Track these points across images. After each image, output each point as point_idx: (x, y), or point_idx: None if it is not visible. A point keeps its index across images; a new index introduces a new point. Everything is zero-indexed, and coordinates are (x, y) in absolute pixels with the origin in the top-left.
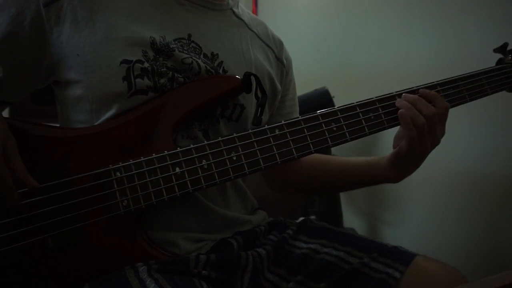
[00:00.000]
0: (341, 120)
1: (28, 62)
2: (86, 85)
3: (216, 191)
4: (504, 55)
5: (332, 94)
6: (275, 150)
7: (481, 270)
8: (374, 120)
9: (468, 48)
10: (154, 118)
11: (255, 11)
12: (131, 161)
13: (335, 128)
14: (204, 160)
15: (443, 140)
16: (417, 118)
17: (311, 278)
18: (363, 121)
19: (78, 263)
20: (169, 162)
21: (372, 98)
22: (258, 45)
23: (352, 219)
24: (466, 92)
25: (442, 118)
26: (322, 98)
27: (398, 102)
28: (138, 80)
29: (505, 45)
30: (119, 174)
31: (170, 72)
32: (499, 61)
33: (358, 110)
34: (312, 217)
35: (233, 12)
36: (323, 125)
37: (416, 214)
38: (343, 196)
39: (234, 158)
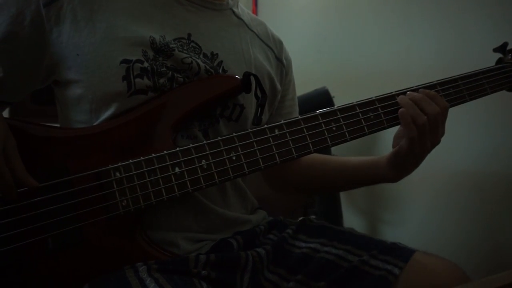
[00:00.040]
0: (341, 120)
1: (28, 62)
2: (86, 85)
3: (216, 191)
4: (504, 54)
5: (332, 94)
6: (274, 150)
7: (481, 270)
8: (373, 120)
9: (468, 48)
10: (153, 118)
11: (255, 11)
12: (131, 161)
13: (334, 128)
14: (203, 160)
15: (443, 139)
16: (418, 117)
17: (311, 277)
18: (362, 120)
19: (78, 263)
20: (169, 162)
21: (372, 97)
22: (258, 45)
23: (352, 219)
24: (466, 91)
25: (442, 118)
26: (322, 98)
27: (401, 99)
28: (137, 80)
29: (505, 44)
30: (118, 174)
31: (170, 72)
32: (499, 61)
33: (358, 110)
34: (312, 217)
35: (233, 12)
36: (323, 125)
37: (416, 213)
38: (343, 196)
39: (234, 158)
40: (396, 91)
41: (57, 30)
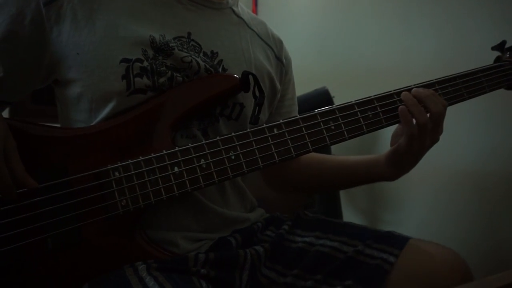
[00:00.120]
0: (339, 119)
1: (28, 61)
2: (86, 84)
3: (215, 190)
4: (502, 53)
5: (332, 94)
6: (273, 149)
7: (481, 269)
8: (372, 118)
9: (467, 47)
10: (152, 117)
11: (255, 10)
12: (130, 161)
13: (333, 127)
14: (202, 160)
15: (443, 139)
16: (420, 115)
17: (307, 270)
18: (361, 119)
19: (77, 262)
20: (168, 162)
21: (370, 96)
22: (258, 44)
23: (352, 219)
24: (464, 90)
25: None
26: (322, 98)
27: (404, 95)
28: (137, 79)
29: (503, 43)
30: (117, 174)
31: (169, 72)
32: (497, 59)
33: (356, 109)
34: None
35: (233, 11)
36: (321, 124)
37: (416, 213)
38: (343, 195)
39: (233, 157)
40: (394, 90)
41: (57, 29)
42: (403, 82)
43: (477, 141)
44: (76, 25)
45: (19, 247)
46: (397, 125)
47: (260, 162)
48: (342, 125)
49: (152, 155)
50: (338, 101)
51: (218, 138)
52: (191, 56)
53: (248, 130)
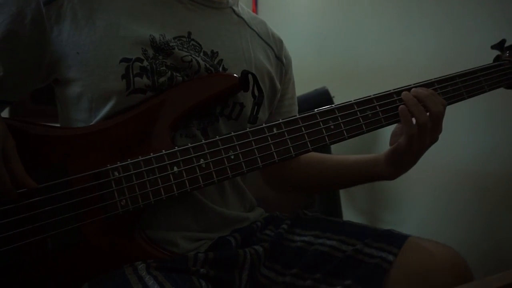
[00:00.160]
0: (339, 118)
1: (28, 60)
2: (86, 83)
3: (215, 190)
4: (502, 52)
5: (332, 94)
6: (272, 148)
7: (481, 269)
8: (371, 118)
9: (467, 46)
10: (152, 117)
11: (255, 10)
12: (129, 161)
13: (332, 126)
14: (202, 159)
15: (443, 138)
16: (420, 114)
17: (306, 270)
18: (360, 119)
19: (77, 262)
20: (167, 162)
21: (370, 96)
22: (258, 43)
23: (352, 219)
24: (463, 89)
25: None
26: (322, 98)
27: (405, 95)
28: (137, 78)
29: (503, 41)
30: (117, 174)
31: (169, 71)
32: (497, 58)
33: (356, 109)
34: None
35: (233, 10)
36: (321, 124)
37: (416, 213)
38: (343, 195)
39: (232, 157)
40: (394, 89)
41: (57, 28)
42: (403, 81)
43: (477, 141)
44: (76, 25)
45: (19, 247)
46: (396, 124)
47: (259, 161)
48: (342, 125)
49: (152, 155)
50: (338, 101)
51: (217, 137)
52: (191, 55)
53: (248, 129)
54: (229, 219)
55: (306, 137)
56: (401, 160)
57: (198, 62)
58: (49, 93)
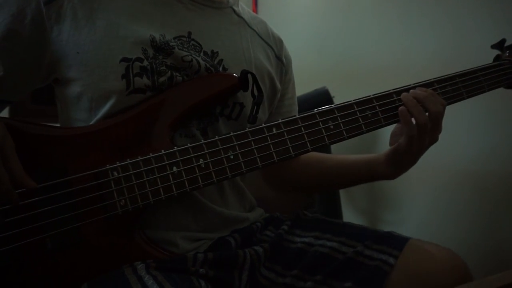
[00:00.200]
0: (338, 118)
1: (28, 60)
2: (86, 83)
3: (214, 190)
4: (502, 51)
5: (332, 94)
6: (272, 148)
7: (481, 269)
8: (371, 118)
9: (467, 46)
10: (151, 117)
11: (255, 10)
12: (128, 161)
13: (332, 127)
14: (201, 159)
15: (443, 138)
16: (420, 115)
17: (306, 271)
18: (360, 119)
19: (76, 262)
20: (166, 162)
21: (369, 96)
22: (258, 43)
23: (352, 219)
24: (463, 89)
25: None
26: (322, 98)
27: (404, 96)
28: (136, 78)
29: (503, 41)
30: (116, 174)
31: (169, 71)
32: (497, 58)
33: (355, 108)
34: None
35: (234, 10)
36: (320, 124)
37: (416, 213)
38: (343, 195)
39: (232, 157)
40: (393, 89)
41: (58, 28)
42: (403, 81)
43: (477, 141)
44: (76, 25)
45: (18, 247)
46: (395, 124)
47: (259, 161)
48: (341, 125)
49: (151, 155)
50: (338, 101)
51: (217, 138)
52: (191, 55)
53: (247, 129)
54: (228, 219)
55: (306, 137)
56: (402, 160)
57: (198, 62)
58: (49, 93)
